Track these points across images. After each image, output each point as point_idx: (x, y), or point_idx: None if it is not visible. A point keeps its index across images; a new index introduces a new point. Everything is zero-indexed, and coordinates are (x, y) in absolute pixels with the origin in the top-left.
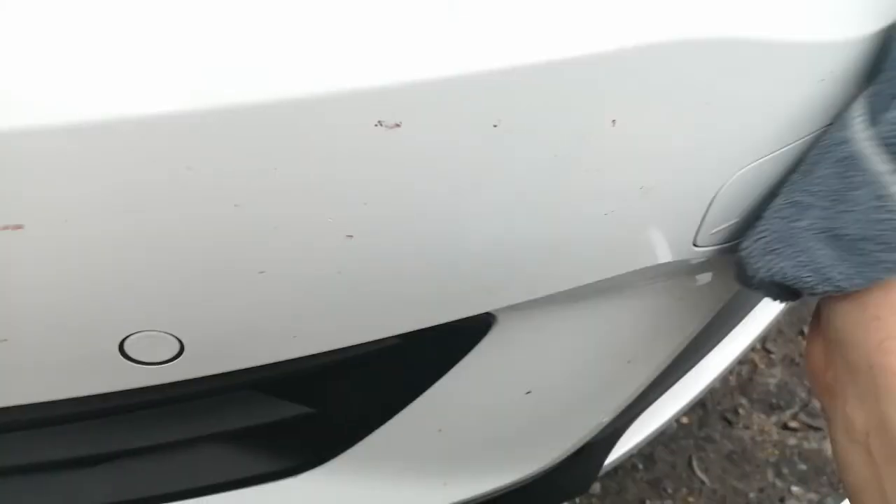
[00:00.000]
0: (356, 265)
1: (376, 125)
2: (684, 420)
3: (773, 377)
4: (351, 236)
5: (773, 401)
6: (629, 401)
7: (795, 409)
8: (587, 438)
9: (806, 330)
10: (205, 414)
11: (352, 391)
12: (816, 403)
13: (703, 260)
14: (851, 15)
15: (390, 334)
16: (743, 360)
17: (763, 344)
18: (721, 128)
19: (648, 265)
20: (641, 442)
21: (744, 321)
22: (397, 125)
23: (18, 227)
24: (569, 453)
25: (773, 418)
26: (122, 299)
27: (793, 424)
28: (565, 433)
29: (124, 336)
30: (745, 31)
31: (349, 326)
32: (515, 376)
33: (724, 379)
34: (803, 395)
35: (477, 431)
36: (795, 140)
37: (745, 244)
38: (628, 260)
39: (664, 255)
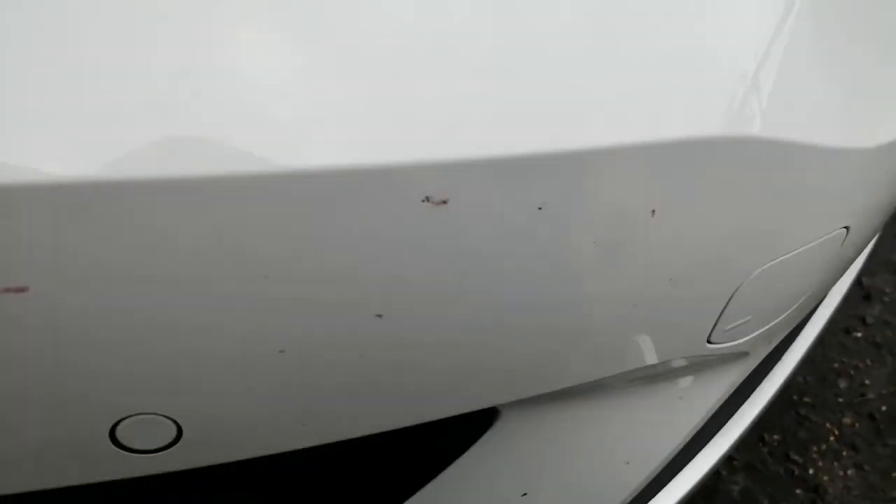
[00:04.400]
0: (381, 347)
1: (423, 201)
2: None
3: (736, 484)
4: (380, 316)
5: None
6: None
7: None
8: None
9: (766, 436)
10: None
11: (344, 485)
12: None
13: (713, 357)
14: (876, 126)
15: (398, 426)
16: None
17: None
18: (750, 223)
19: (662, 360)
20: None
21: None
22: (444, 202)
23: (22, 289)
24: None
25: None
26: (120, 377)
27: None
28: None
29: (117, 420)
30: (778, 132)
31: (360, 418)
32: (513, 476)
33: None
34: (766, 503)
35: None
36: (814, 240)
37: None
38: (642, 355)
39: (678, 351)
